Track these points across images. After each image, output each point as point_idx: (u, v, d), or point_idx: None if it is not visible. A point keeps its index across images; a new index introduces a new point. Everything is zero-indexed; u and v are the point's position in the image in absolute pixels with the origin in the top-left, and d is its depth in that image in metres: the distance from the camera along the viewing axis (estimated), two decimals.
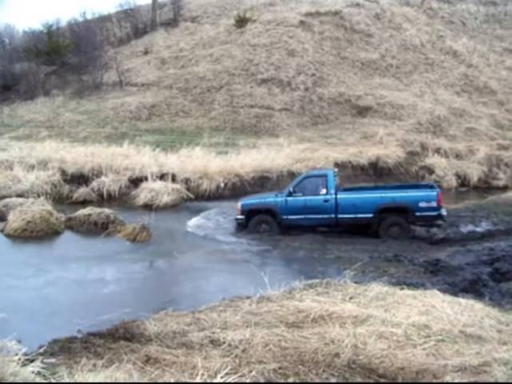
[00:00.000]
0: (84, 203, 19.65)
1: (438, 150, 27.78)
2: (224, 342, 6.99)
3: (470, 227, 16.70)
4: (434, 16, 44.44)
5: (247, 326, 7.49)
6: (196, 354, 6.69)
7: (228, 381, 5.80)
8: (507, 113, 34.21)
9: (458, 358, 6.50)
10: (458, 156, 27.80)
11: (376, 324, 7.43)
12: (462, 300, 8.59)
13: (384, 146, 27.66)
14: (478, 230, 16.48)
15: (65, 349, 7.03)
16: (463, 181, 26.26)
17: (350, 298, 8.69)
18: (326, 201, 16.18)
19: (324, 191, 16.31)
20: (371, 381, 6.11)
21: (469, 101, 34.91)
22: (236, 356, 6.60)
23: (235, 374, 6.00)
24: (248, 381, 5.90)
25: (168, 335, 7.44)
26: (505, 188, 24.51)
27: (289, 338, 7.08)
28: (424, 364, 6.34)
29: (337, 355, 6.56)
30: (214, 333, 7.35)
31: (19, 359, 5.91)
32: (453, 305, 8.22)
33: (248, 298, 8.89)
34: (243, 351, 6.74)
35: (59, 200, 20.26)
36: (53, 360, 6.40)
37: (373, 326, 7.33)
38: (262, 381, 5.97)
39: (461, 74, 37.30)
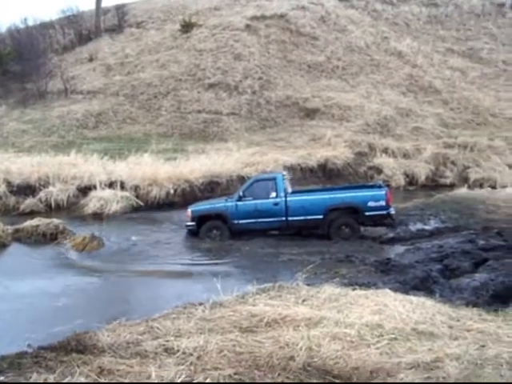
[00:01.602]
0: (32, 214, 19.23)
1: (385, 150, 28.14)
2: (178, 350, 6.90)
3: (419, 225, 16.88)
4: (378, 18, 45.11)
5: (201, 333, 7.42)
6: (150, 363, 6.59)
7: None
8: (452, 111, 34.90)
9: (411, 355, 6.56)
10: (405, 155, 28.21)
11: (329, 325, 7.43)
12: (413, 298, 8.66)
13: (332, 147, 27.87)
14: (427, 227, 16.66)
15: (14, 365, 6.77)
16: (411, 180, 26.70)
17: (303, 301, 8.67)
18: (276, 204, 16.20)
19: (274, 194, 16.33)
20: (326, 381, 6.12)
21: (414, 100, 35.48)
22: (191, 363, 6.52)
23: (190, 381, 5.97)
24: None
25: (121, 345, 7.31)
26: (452, 186, 24.91)
27: (243, 343, 7.03)
28: (378, 363, 6.37)
29: (292, 358, 6.54)
30: (167, 341, 7.24)
31: None
32: (404, 303, 8.28)
33: (201, 304, 8.78)
34: (198, 358, 6.66)
35: (5, 212, 19.93)
36: (1, 378, 6.21)
37: (326, 328, 7.33)
38: None
39: (406, 74, 37.91)
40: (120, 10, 47.37)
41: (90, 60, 41.17)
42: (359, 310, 8.04)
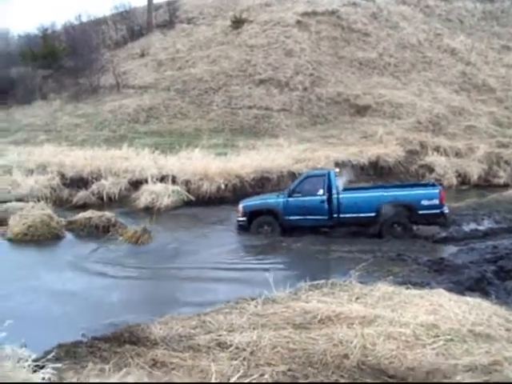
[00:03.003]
0: (84, 207, 19.42)
1: (437, 149, 27.60)
2: (231, 345, 6.93)
3: (473, 225, 16.54)
4: (430, 14, 44.35)
5: (254, 328, 7.42)
6: (203, 357, 6.65)
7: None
8: (506, 110, 34.12)
9: (468, 357, 6.46)
10: (457, 154, 27.63)
11: (384, 324, 7.36)
12: (469, 299, 8.53)
13: (384, 145, 27.49)
14: (481, 228, 16.33)
15: (70, 353, 6.94)
16: (463, 179, 26.09)
17: (357, 299, 8.60)
18: (323, 201, 16.02)
19: (321, 192, 16.16)
20: (381, 381, 6.05)
21: (467, 99, 34.78)
22: (244, 359, 6.55)
23: (245, 376, 5.96)
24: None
25: (174, 338, 7.37)
26: (505, 186, 24.29)
27: (296, 340, 7.02)
28: (434, 364, 6.30)
29: (346, 356, 6.51)
30: (220, 335, 7.28)
31: (29, 365, 5.86)
32: (460, 304, 8.15)
33: (253, 299, 8.78)
34: (251, 354, 6.68)
35: (59, 204, 20.11)
36: (59, 365, 6.30)
37: (381, 327, 7.27)
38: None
39: (459, 71, 37.20)
40: (171, 6, 47.65)
41: (142, 55, 41.59)
42: (414, 309, 7.95)
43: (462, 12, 45.18)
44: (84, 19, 47.23)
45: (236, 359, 6.53)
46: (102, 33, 46.17)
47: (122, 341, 7.41)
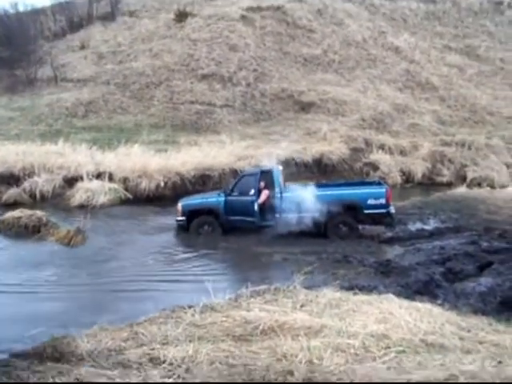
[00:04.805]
0: (15, 205, 18.59)
1: (382, 147, 27.64)
2: (165, 361, 6.30)
3: (419, 225, 16.30)
4: (375, 12, 44.82)
5: (190, 341, 6.80)
6: (134, 375, 6.01)
7: None
8: (448, 109, 34.56)
9: (422, 370, 5.98)
10: (402, 152, 27.72)
11: (331, 335, 6.84)
12: (419, 305, 8.13)
13: (328, 142, 27.37)
14: (427, 227, 16.08)
15: None
16: (408, 177, 26.17)
17: (301, 306, 8.06)
18: (252, 202, 15.37)
19: (252, 191, 15.55)
20: None
21: (411, 97, 35.12)
22: (178, 376, 5.95)
23: None
24: None
25: (102, 353, 6.68)
26: (449, 184, 24.50)
27: (236, 354, 6.44)
28: (385, 379, 5.78)
29: (290, 372, 5.94)
30: (153, 349, 6.64)
31: None
32: (411, 310, 7.73)
33: (190, 307, 8.14)
34: (186, 371, 6.07)
35: None
36: None
37: (328, 338, 6.74)
38: None
39: (403, 69, 37.56)
40: None
41: (82, 48, 40.72)
42: (363, 317, 7.49)
43: (406, 11, 45.86)
44: (21, 8, 46.19)
45: (170, 377, 5.95)
46: (40, 23, 45.09)
47: (44, 357, 6.67)
